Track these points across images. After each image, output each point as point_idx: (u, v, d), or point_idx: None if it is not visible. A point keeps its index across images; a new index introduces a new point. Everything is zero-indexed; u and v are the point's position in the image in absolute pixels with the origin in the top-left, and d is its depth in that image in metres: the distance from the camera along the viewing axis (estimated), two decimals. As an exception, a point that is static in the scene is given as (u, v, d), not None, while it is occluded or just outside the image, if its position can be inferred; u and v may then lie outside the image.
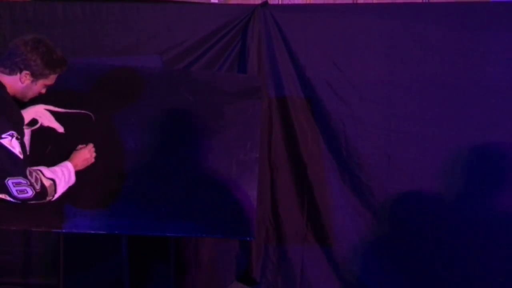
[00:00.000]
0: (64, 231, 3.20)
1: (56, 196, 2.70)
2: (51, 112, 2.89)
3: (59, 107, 2.91)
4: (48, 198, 2.66)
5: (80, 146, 2.92)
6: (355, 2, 4.48)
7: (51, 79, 2.72)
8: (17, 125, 2.56)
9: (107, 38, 3.82)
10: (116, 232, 3.02)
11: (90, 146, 2.92)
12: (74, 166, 2.81)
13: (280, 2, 4.57)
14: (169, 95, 3.16)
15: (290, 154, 3.90)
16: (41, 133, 2.92)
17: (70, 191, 2.86)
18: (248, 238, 3.33)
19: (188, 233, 3.07)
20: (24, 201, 2.59)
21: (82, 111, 3.00)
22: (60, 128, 2.96)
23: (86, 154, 2.88)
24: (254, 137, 3.15)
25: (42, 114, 2.89)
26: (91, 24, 3.82)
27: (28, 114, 2.82)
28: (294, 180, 3.91)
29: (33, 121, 2.90)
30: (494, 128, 3.59)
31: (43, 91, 2.75)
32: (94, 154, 2.92)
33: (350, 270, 3.86)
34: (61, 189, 2.71)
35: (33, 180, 2.54)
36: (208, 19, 3.85)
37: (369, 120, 3.76)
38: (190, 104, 3.16)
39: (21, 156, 2.52)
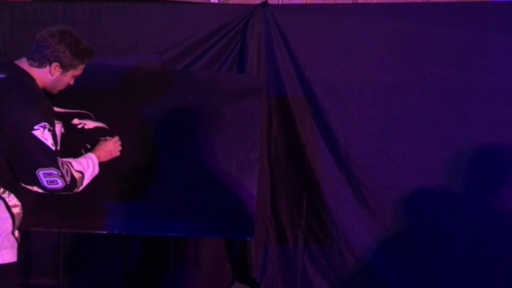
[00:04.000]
0: (64, 231, 3.22)
1: (81, 188, 2.71)
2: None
3: (59, 107, 2.91)
4: (75, 190, 2.67)
5: (106, 137, 2.97)
6: (355, 2, 4.48)
7: (80, 69, 2.73)
8: (48, 117, 2.55)
9: (107, 38, 3.82)
10: (116, 232, 3.03)
11: (116, 139, 2.96)
12: (98, 157, 2.84)
13: (280, 2, 4.57)
14: (169, 95, 3.16)
15: (289, 154, 3.89)
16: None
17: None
18: (248, 238, 3.34)
19: (188, 233, 3.08)
20: (53, 191, 2.59)
21: (82, 111, 3.00)
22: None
23: (109, 146, 2.92)
24: (254, 137, 3.15)
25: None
26: (91, 24, 3.81)
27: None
28: (294, 180, 3.90)
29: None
30: (494, 128, 3.59)
31: (72, 82, 2.76)
32: (119, 147, 2.95)
33: (349, 270, 3.85)
34: (87, 181, 2.73)
35: (64, 172, 2.55)
36: (208, 19, 3.85)
37: (369, 120, 3.76)
38: (190, 104, 3.16)
39: (53, 148, 2.52)
